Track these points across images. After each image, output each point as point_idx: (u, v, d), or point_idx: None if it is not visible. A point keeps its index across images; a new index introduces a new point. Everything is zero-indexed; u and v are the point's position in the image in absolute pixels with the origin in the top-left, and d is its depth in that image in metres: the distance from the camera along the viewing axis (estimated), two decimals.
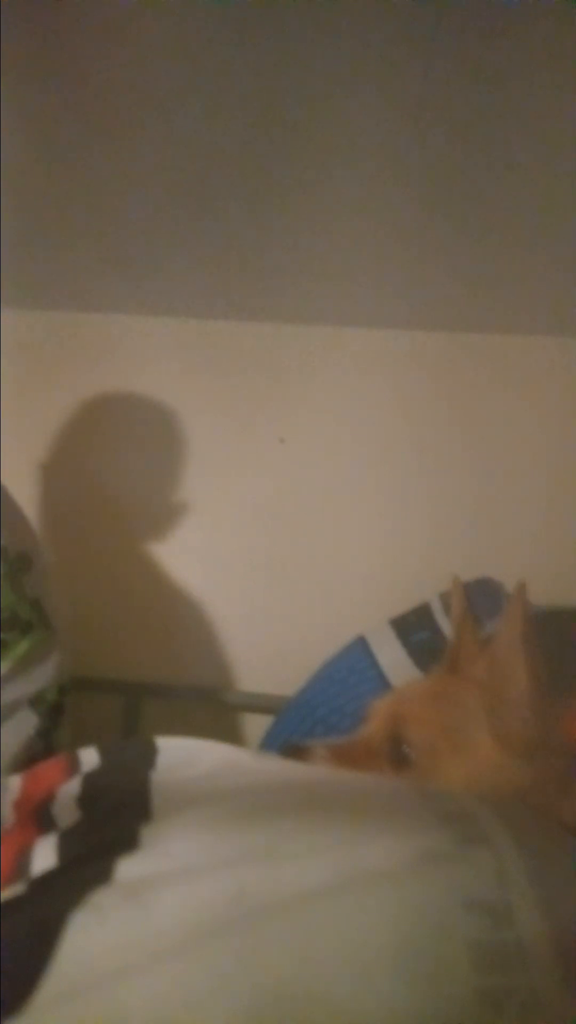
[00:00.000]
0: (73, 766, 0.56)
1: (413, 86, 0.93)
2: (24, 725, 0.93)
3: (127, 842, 0.43)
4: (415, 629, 1.03)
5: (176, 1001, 0.33)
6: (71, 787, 0.52)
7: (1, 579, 0.94)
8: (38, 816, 0.52)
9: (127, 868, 0.40)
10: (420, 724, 0.56)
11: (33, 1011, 0.33)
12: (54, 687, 1.01)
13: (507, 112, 0.95)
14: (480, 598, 0.96)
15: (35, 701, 0.96)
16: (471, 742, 0.55)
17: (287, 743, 0.60)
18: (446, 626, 1.00)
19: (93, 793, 0.51)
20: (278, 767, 0.54)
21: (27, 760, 0.91)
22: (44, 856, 0.45)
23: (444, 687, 0.62)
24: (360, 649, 1.04)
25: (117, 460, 1.50)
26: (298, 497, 1.45)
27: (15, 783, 0.56)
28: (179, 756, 0.54)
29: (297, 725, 1.01)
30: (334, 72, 0.92)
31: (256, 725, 1.34)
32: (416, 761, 0.55)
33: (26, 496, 1.46)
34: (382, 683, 0.97)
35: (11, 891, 0.42)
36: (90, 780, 0.53)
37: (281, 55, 0.90)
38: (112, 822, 0.47)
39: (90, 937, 0.36)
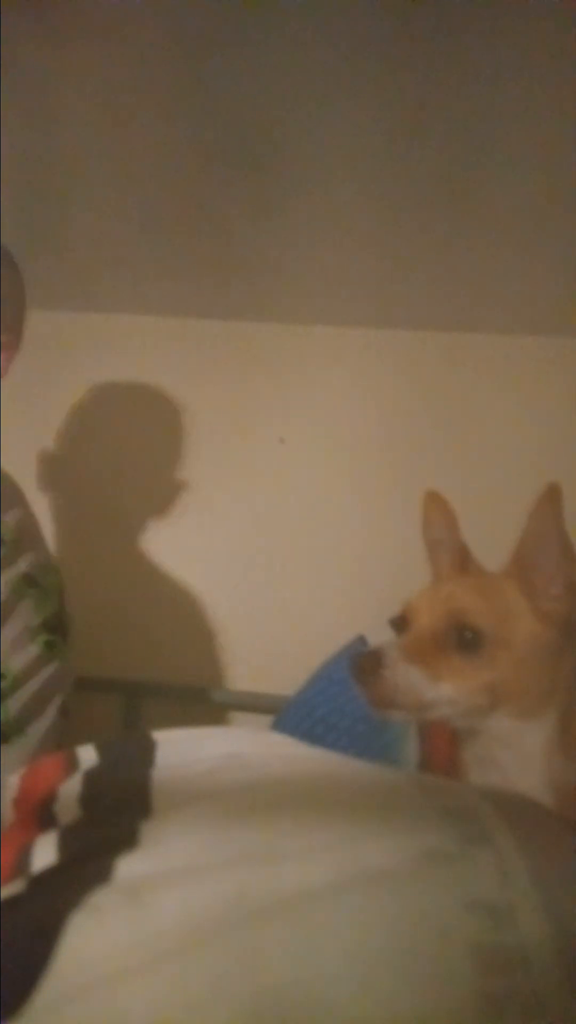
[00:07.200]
0: (71, 763, 0.55)
1: (413, 86, 0.93)
2: (50, 722, 0.97)
3: (127, 840, 0.42)
4: None
5: (176, 1003, 0.32)
6: (73, 786, 0.52)
7: (54, 590, 1.04)
8: (39, 815, 0.51)
9: (127, 866, 0.40)
10: (477, 614, 0.65)
11: (33, 1013, 0.33)
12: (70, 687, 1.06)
13: (506, 112, 0.95)
14: None
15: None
16: (519, 622, 0.65)
17: (361, 649, 0.63)
18: None
19: (95, 792, 0.51)
20: (280, 758, 0.54)
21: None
22: (44, 853, 0.45)
23: (484, 582, 0.70)
24: (360, 648, 1.04)
25: (117, 459, 1.49)
26: (298, 497, 1.45)
27: (13, 780, 0.56)
28: (179, 750, 0.54)
29: (297, 725, 1.00)
30: (333, 72, 0.92)
31: (256, 725, 1.34)
32: (485, 642, 0.63)
33: (27, 496, 1.45)
34: None
35: (11, 889, 0.42)
36: (91, 778, 0.52)
37: (280, 55, 0.90)
38: (113, 819, 0.46)
39: (89, 939, 0.36)
